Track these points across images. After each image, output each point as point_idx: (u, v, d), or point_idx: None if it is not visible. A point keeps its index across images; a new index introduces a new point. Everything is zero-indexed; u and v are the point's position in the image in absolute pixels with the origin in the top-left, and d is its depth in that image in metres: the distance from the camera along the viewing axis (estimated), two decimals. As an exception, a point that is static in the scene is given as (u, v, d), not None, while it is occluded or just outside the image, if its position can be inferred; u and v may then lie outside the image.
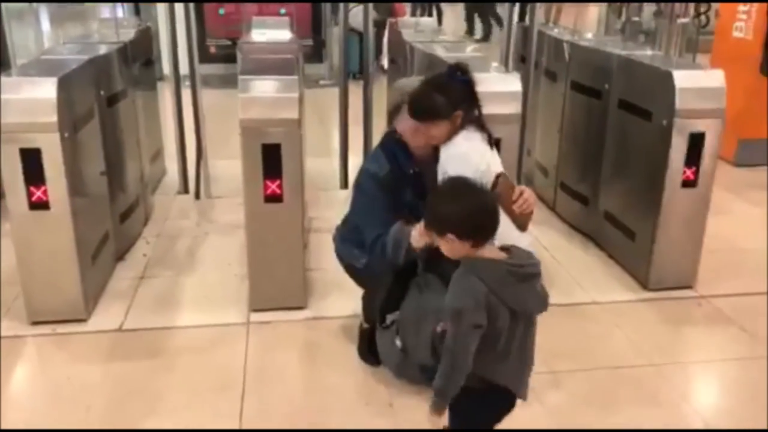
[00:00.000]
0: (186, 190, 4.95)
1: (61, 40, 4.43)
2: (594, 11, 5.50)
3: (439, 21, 10.80)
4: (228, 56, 4.57)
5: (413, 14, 7.87)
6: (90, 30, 4.81)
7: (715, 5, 6.97)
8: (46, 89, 2.95)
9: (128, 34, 4.45)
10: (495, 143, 2.62)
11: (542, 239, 4.19)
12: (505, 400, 2.08)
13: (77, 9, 6.06)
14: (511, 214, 2.40)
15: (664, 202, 3.48)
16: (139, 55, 4.54)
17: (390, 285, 2.74)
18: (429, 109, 2.49)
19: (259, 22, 5.05)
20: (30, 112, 2.95)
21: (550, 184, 4.72)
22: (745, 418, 2.75)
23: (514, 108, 3.33)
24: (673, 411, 2.77)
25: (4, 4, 3.84)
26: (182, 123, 4.84)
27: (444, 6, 12.06)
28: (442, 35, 5.26)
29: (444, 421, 2.05)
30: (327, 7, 8.83)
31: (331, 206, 4.44)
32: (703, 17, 8.57)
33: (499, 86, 3.29)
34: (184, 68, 4.77)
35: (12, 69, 3.48)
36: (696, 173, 3.44)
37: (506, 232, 2.16)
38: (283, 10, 7.95)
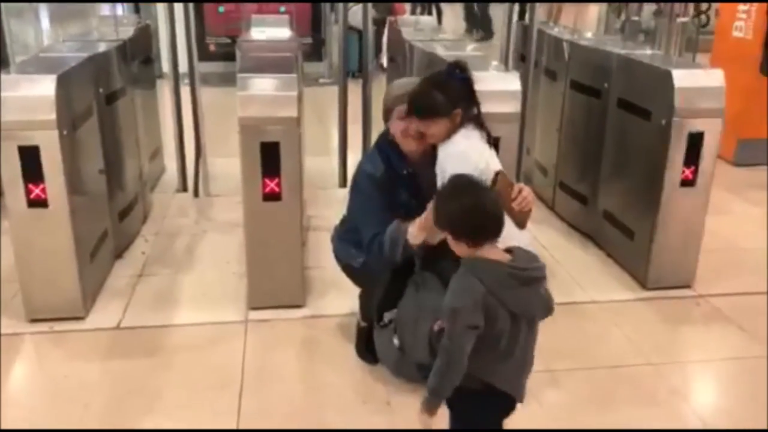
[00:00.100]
0: (185, 188, 4.95)
1: (61, 38, 4.42)
2: (594, 10, 5.50)
3: (439, 20, 10.79)
4: (227, 54, 4.58)
5: (413, 13, 7.87)
6: (89, 28, 4.80)
7: (715, 4, 6.97)
8: (45, 87, 2.95)
9: (127, 31, 4.44)
10: (494, 142, 2.62)
11: (541, 238, 4.19)
12: (503, 402, 2.07)
13: (77, 6, 6.04)
14: (509, 212, 2.40)
15: (663, 202, 3.47)
16: (138, 52, 4.53)
17: (387, 283, 2.75)
18: (428, 107, 2.48)
19: (258, 21, 5.05)
20: (29, 109, 2.94)
21: (550, 184, 4.72)
22: (744, 417, 2.75)
23: (513, 107, 3.33)
24: (671, 410, 2.77)
25: (3, 2, 3.84)
26: (181, 121, 4.84)
27: (444, 5, 12.04)
28: (442, 34, 5.25)
29: (435, 421, 2.03)
30: (327, 6, 8.83)
31: (330, 205, 4.44)
32: (703, 17, 8.58)
33: (498, 85, 3.29)
34: (183, 66, 4.77)
35: (11, 66, 3.48)
36: (695, 173, 3.44)
37: (505, 230, 2.16)
38: (282, 8, 7.94)
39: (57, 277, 3.18)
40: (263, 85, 3.15)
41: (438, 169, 2.54)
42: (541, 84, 4.80)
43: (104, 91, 3.66)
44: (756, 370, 3.02)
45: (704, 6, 8.34)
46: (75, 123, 3.18)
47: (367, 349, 2.98)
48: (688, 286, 3.67)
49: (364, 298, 2.97)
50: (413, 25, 5.28)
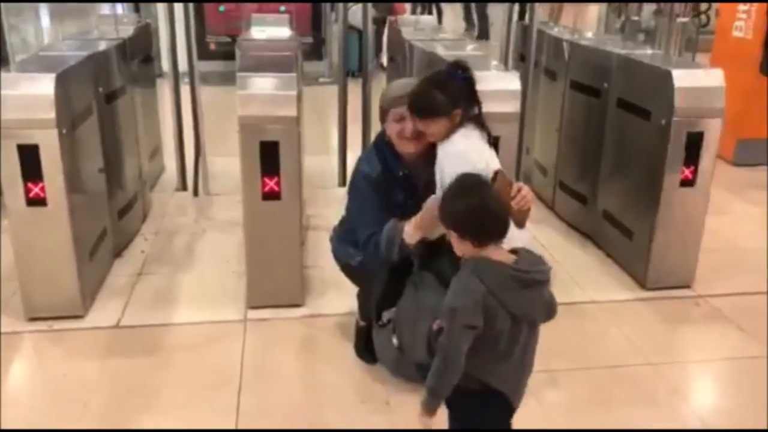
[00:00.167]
0: (184, 187, 4.95)
1: (61, 36, 4.42)
2: (594, 10, 5.51)
3: (439, 19, 10.79)
4: (228, 53, 4.58)
5: (413, 12, 7.87)
6: (89, 26, 4.80)
7: (715, 4, 6.98)
8: (44, 85, 2.95)
9: (127, 30, 4.44)
10: (493, 141, 2.62)
11: (541, 238, 4.19)
12: (501, 402, 2.05)
13: (77, 5, 6.05)
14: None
15: (663, 202, 3.47)
16: (138, 51, 4.53)
17: (384, 283, 2.75)
18: (428, 107, 2.48)
19: (258, 20, 5.04)
20: (28, 108, 2.94)
21: (549, 183, 4.72)
22: (743, 417, 2.75)
23: (513, 106, 3.32)
24: (671, 410, 2.77)
25: (3, 2, 3.83)
26: (181, 120, 4.84)
27: (444, 4, 12.05)
28: (442, 33, 5.25)
29: (435, 421, 2.04)
30: (327, 5, 8.82)
31: (330, 204, 4.44)
32: (703, 16, 8.59)
33: (498, 84, 3.28)
34: (183, 65, 4.77)
35: (10, 65, 3.47)
36: (694, 173, 3.44)
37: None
38: (282, 8, 7.94)
39: (56, 276, 3.18)
40: (263, 84, 3.14)
41: (437, 169, 2.54)
42: (540, 84, 4.80)
43: (104, 90, 3.66)
44: (755, 370, 3.02)
45: (704, 6, 8.35)
46: (74, 122, 3.18)
47: (366, 348, 2.98)
48: (687, 286, 3.67)
49: (362, 298, 2.97)
50: (413, 24, 5.28)
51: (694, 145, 3.39)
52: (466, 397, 2.00)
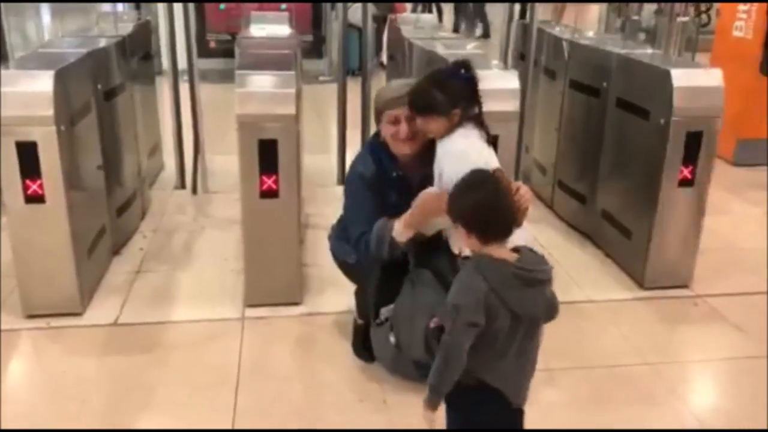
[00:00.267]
0: (183, 185, 4.94)
1: (61, 34, 4.42)
2: (595, 10, 5.51)
3: (440, 18, 10.79)
4: (228, 51, 4.57)
5: (413, 11, 7.87)
6: (90, 24, 4.80)
7: (716, 4, 6.97)
8: (43, 82, 2.94)
9: (127, 28, 4.44)
10: (492, 140, 2.62)
11: (540, 237, 4.18)
12: (499, 401, 2.04)
13: (78, 3, 6.04)
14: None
15: (661, 202, 3.47)
16: (138, 49, 4.53)
17: (378, 280, 2.76)
18: (427, 105, 2.49)
19: (258, 17, 5.04)
20: (26, 105, 2.94)
21: (548, 183, 4.72)
22: (740, 417, 2.75)
23: (512, 105, 3.33)
24: (668, 410, 2.77)
25: (3, 1, 3.83)
26: (180, 118, 4.83)
27: (444, 3, 12.04)
28: (442, 32, 5.25)
29: (438, 418, 2.04)
30: (327, 3, 8.81)
31: (329, 202, 4.43)
32: (704, 16, 8.58)
33: (497, 83, 3.28)
34: (183, 63, 4.76)
35: (10, 62, 3.47)
36: (693, 172, 3.44)
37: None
38: (283, 6, 7.94)
39: (54, 273, 3.18)
40: (261, 82, 3.15)
41: (436, 167, 2.54)
42: (540, 83, 4.80)
43: (103, 87, 3.65)
44: (753, 370, 3.02)
45: (705, 5, 8.34)
46: (73, 119, 3.18)
47: (364, 347, 2.98)
48: (685, 286, 3.67)
49: (359, 296, 2.97)
50: (413, 23, 5.28)
51: (692, 144, 3.39)
52: (464, 393, 2.00)
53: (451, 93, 2.45)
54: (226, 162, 4.11)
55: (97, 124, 3.54)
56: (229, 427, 2.61)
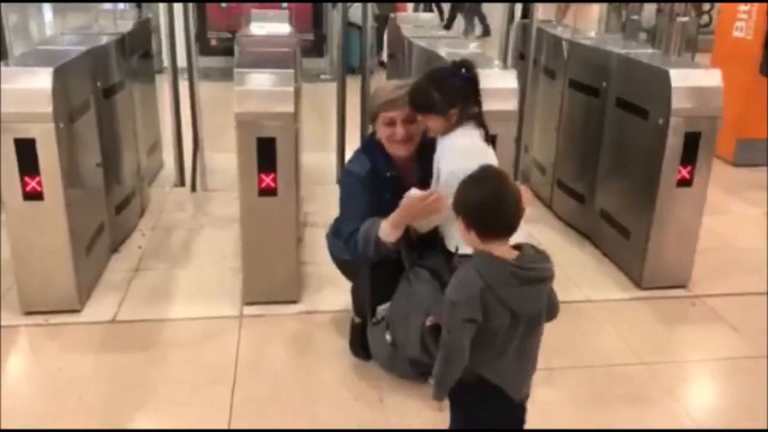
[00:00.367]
0: (182, 183, 4.95)
1: (61, 31, 4.42)
2: (596, 10, 5.50)
3: (441, 17, 10.78)
4: (229, 49, 4.58)
5: (415, 11, 7.87)
6: (90, 21, 4.80)
7: (718, 4, 6.96)
8: (42, 79, 2.95)
9: (127, 25, 4.44)
10: (491, 139, 2.63)
11: (538, 236, 4.17)
12: (501, 398, 2.04)
13: (79, 2, 6.05)
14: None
15: (659, 202, 3.47)
16: (138, 47, 4.53)
17: (368, 279, 2.77)
18: (424, 104, 2.50)
19: (258, 16, 5.04)
20: (25, 101, 2.94)
21: (547, 182, 4.72)
22: (737, 417, 2.75)
23: (510, 105, 3.32)
24: (665, 410, 2.77)
25: (4, 2, 3.83)
26: (179, 115, 4.84)
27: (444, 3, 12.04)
28: (441, 31, 5.25)
29: (436, 421, 2.05)
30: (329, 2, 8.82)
31: (328, 201, 4.40)
32: (705, 16, 8.57)
33: (495, 82, 3.27)
34: (183, 61, 4.77)
35: (9, 59, 3.47)
36: (691, 173, 3.43)
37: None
38: (284, 4, 7.94)
39: (53, 270, 3.18)
40: (260, 80, 3.14)
41: (435, 164, 2.55)
42: (540, 83, 4.80)
43: (102, 84, 3.66)
44: (749, 370, 3.02)
45: (707, 6, 8.33)
46: (72, 116, 3.18)
47: (361, 345, 2.98)
48: (683, 286, 3.67)
49: (354, 293, 2.98)
50: (413, 21, 5.28)
51: (691, 145, 3.38)
52: (465, 389, 2.01)
53: (448, 93, 2.45)
54: (226, 160, 4.10)
55: (96, 121, 3.54)
56: (225, 423, 2.61)
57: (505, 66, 4.06)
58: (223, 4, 8.80)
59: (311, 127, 5.30)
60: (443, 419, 2.18)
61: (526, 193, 2.42)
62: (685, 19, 4.63)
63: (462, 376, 1.96)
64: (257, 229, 3.27)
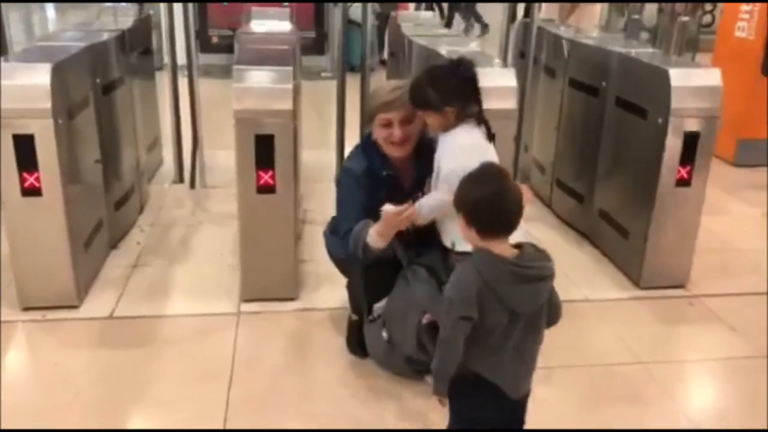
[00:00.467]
0: (181, 180, 4.96)
1: (62, 27, 4.42)
2: (597, 9, 5.49)
3: (442, 16, 10.77)
4: (230, 46, 4.58)
5: (417, 10, 7.86)
6: (92, 17, 4.80)
7: (721, 4, 6.95)
8: (41, 75, 2.94)
9: (127, 22, 4.44)
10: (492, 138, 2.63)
11: (537, 236, 4.17)
12: (497, 395, 2.04)
13: (79, 2, 6.05)
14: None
15: (658, 201, 3.47)
16: (138, 43, 4.53)
17: (362, 277, 2.77)
18: (420, 101, 2.51)
19: (259, 13, 5.04)
20: (24, 97, 2.94)
21: (547, 181, 4.72)
22: (734, 417, 2.75)
23: (510, 103, 3.32)
24: (660, 409, 2.77)
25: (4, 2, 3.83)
26: (178, 112, 4.84)
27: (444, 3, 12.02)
28: (442, 30, 5.24)
29: (436, 421, 2.06)
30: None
31: (326, 198, 4.40)
32: (708, 16, 8.55)
33: (495, 81, 3.27)
34: (183, 58, 4.77)
35: (9, 54, 3.48)
36: (690, 173, 3.43)
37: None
38: (285, 3, 7.94)
39: (51, 266, 3.18)
40: (259, 77, 3.14)
41: (435, 164, 2.56)
42: (540, 81, 4.79)
43: (101, 81, 3.65)
44: (748, 370, 3.02)
45: (709, 5, 8.32)
46: (71, 112, 3.18)
47: (358, 342, 2.98)
48: (681, 286, 3.67)
49: (350, 290, 2.98)
50: (414, 20, 5.28)
51: (690, 144, 3.38)
52: (463, 386, 2.01)
53: (443, 90, 2.46)
54: (225, 157, 4.10)
55: (96, 117, 3.54)
56: (221, 420, 2.61)
57: (504, 64, 4.06)
58: (225, 1, 8.79)
59: (311, 125, 5.29)
60: (440, 417, 2.18)
61: (526, 192, 2.42)
62: (686, 18, 4.62)
63: (459, 373, 1.97)
64: (255, 227, 3.27)
